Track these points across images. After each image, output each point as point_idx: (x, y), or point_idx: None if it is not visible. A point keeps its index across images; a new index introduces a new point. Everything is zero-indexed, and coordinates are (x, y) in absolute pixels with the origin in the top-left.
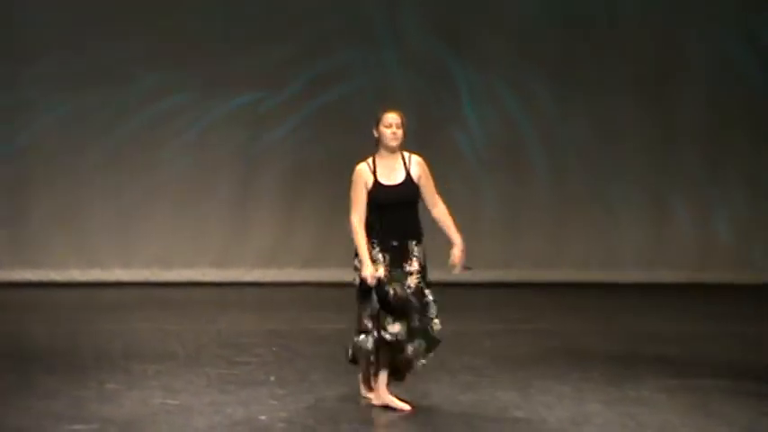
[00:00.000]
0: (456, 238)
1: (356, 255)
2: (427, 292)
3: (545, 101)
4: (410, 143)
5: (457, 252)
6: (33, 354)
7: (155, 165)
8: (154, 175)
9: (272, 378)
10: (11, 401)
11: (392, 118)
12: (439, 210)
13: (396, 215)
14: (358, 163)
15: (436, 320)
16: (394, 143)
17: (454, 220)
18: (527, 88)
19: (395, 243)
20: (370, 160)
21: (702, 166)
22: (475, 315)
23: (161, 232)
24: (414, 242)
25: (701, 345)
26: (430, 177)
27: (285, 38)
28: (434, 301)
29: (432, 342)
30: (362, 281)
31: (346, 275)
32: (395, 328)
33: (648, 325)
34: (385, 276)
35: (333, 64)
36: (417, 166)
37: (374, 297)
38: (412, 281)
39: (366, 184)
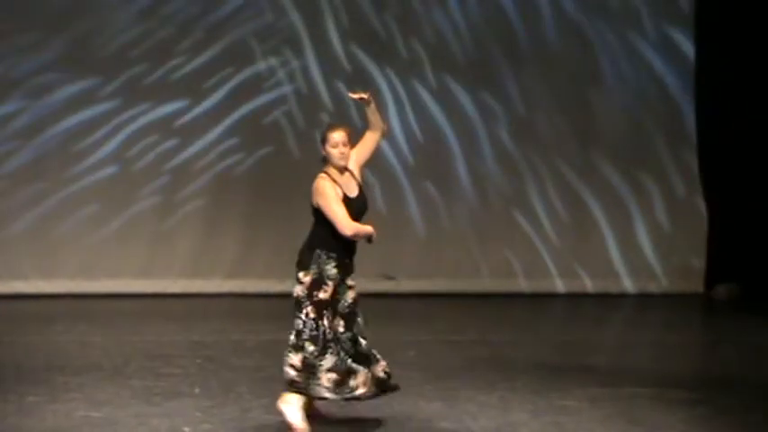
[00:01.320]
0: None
1: (303, 267)
2: (358, 311)
3: (466, 107)
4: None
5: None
6: None
7: (76, 175)
8: (75, 185)
9: (198, 390)
10: None
11: (338, 137)
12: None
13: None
14: (318, 179)
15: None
16: (342, 162)
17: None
18: (448, 95)
19: (347, 260)
20: (326, 177)
21: (621, 174)
22: (399, 325)
23: (84, 243)
24: (353, 257)
25: (626, 353)
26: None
27: (207, 45)
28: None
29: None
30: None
31: (271, 286)
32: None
33: (573, 334)
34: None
35: (255, 72)
36: (359, 174)
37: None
38: (350, 296)
39: (338, 195)
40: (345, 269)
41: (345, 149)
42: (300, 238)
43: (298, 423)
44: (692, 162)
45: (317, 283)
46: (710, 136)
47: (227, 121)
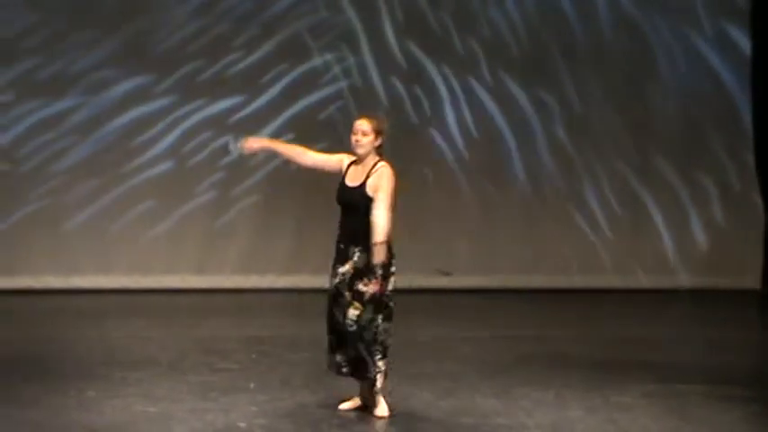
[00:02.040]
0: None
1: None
2: (347, 294)
3: (522, 104)
4: (392, 146)
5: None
6: (12, 362)
7: (132, 171)
8: (131, 182)
9: (253, 385)
10: None
11: (357, 125)
12: (373, 215)
13: (345, 218)
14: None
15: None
16: (357, 150)
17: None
18: (504, 91)
19: (341, 246)
20: (349, 161)
21: (677, 169)
22: (455, 321)
23: (140, 239)
24: (357, 248)
25: (681, 350)
26: (384, 189)
27: (263, 41)
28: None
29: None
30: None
31: (325, 282)
32: None
33: (629, 330)
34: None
35: (311, 67)
36: (376, 176)
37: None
38: (335, 281)
39: (341, 171)
40: (337, 254)
41: (363, 139)
42: None
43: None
44: (749, 158)
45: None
46: (767, 131)
47: (283, 117)
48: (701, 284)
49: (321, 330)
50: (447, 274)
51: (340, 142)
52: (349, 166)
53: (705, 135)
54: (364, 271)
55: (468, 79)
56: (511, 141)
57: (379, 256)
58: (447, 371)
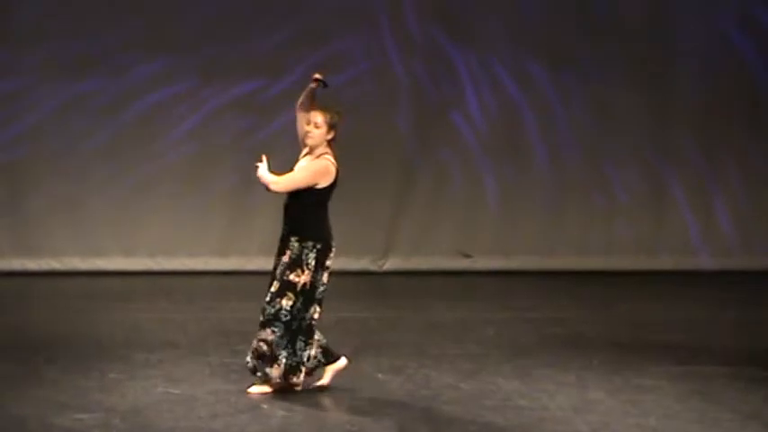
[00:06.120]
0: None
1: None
2: (275, 284)
3: (544, 85)
4: (412, 129)
5: None
6: (35, 343)
7: (155, 153)
8: (155, 163)
9: None
10: (13, 391)
11: (312, 116)
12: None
13: (286, 207)
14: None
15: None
16: (306, 141)
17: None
18: (526, 72)
19: (281, 234)
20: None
21: (700, 151)
22: (476, 303)
23: (163, 221)
24: (293, 237)
25: (703, 331)
26: (302, 168)
27: (284, 24)
28: (281, 300)
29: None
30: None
31: (346, 264)
32: None
33: (650, 312)
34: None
35: (333, 51)
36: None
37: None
38: (277, 272)
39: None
40: (280, 245)
41: (315, 131)
42: (373, 216)
43: None
44: None
45: None
46: None
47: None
48: (723, 266)
49: (340, 311)
50: (468, 256)
51: (360, 124)
52: (305, 155)
53: (728, 116)
54: (295, 261)
55: (489, 61)
56: (532, 123)
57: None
58: (469, 353)
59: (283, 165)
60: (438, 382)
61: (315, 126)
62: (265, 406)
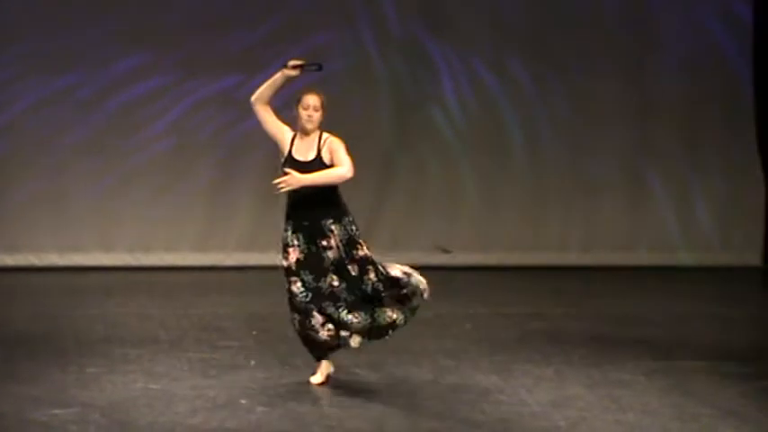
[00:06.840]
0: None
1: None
2: (353, 269)
3: (523, 79)
4: (391, 124)
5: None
6: (13, 339)
7: (134, 148)
8: (133, 159)
9: (254, 362)
10: None
11: (311, 100)
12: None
13: (305, 194)
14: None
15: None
16: (308, 126)
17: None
18: (506, 67)
19: (305, 223)
20: (291, 134)
21: (680, 145)
22: (455, 298)
23: (141, 216)
24: (328, 221)
25: (682, 327)
26: (343, 150)
27: (262, 20)
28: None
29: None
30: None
31: None
32: None
33: (629, 308)
34: (301, 255)
35: (310, 46)
36: (327, 148)
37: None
38: (332, 254)
39: (282, 142)
40: (303, 233)
41: (315, 114)
42: (352, 211)
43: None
44: (751, 133)
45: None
46: None
47: (283, 95)
48: (702, 261)
49: None
50: (447, 251)
51: (337, 118)
52: (293, 139)
53: (707, 110)
54: (351, 239)
55: (468, 55)
56: (511, 118)
57: (301, 180)
58: (448, 348)
59: (264, 160)
60: (417, 377)
61: (314, 109)
62: (244, 401)
